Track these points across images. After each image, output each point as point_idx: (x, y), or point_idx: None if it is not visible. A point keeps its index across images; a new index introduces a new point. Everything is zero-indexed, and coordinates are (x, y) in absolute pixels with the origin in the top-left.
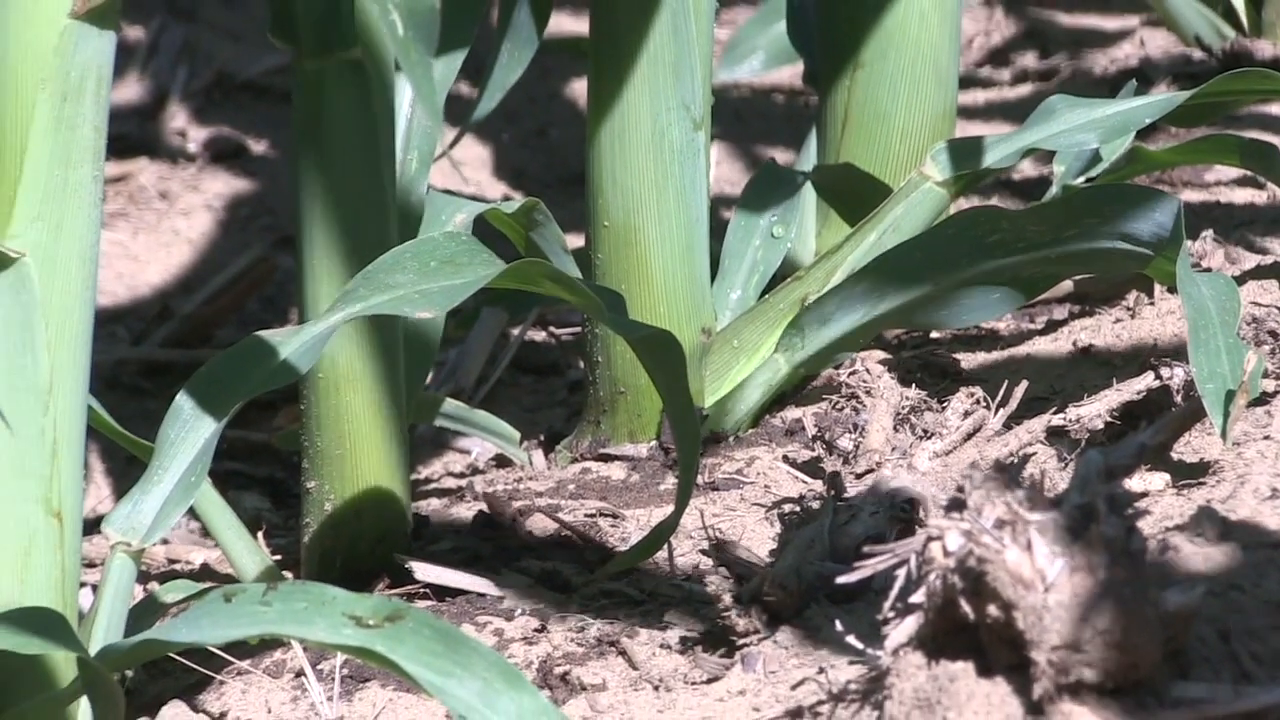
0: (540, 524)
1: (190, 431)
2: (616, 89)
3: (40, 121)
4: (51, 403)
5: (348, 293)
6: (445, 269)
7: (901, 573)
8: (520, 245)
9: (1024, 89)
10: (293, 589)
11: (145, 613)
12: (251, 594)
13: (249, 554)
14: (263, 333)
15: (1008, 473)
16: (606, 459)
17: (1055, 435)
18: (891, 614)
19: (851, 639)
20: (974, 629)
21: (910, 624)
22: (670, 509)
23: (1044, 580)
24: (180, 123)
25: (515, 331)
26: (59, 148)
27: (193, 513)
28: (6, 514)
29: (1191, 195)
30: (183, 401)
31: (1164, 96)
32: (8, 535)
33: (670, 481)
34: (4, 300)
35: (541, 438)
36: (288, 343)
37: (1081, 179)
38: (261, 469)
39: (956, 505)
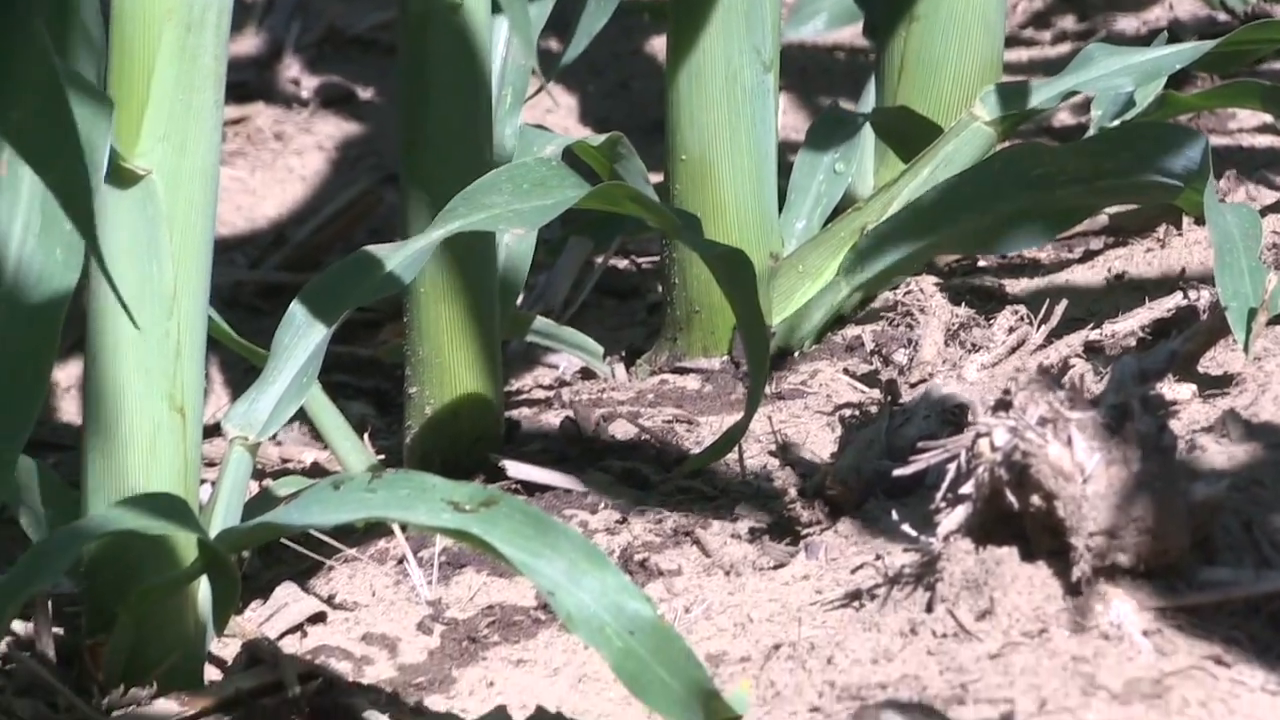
0: (622, 429)
1: (302, 337)
2: (694, 35)
3: (165, 50)
4: (175, 308)
5: (448, 211)
6: (537, 190)
7: (952, 467)
8: (605, 176)
9: (1063, 47)
10: (396, 477)
11: (260, 505)
12: (358, 482)
13: (356, 453)
14: (370, 247)
15: (1050, 376)
16: (682, 371)
17: (1091, 350)
18: (943, 504)
19: (906, 528)
20: (1018, 518)
21: (960, 513)
22: (740, 416)
23: (1083, 473)
24: (294, 72)
25: (599, 259)
26: (183, 74)
27: (303, 416)
28: (134, 409)
29: (1216, 140)
30: (296, 309)
31: (1192, 45)
32: (135, 428)
33: (739, 392)
34: (132, 214)
35: (623, 353)
36: (393, 256)
37: (1116, 122)
38: (367, 381)
39: (1003, 405)
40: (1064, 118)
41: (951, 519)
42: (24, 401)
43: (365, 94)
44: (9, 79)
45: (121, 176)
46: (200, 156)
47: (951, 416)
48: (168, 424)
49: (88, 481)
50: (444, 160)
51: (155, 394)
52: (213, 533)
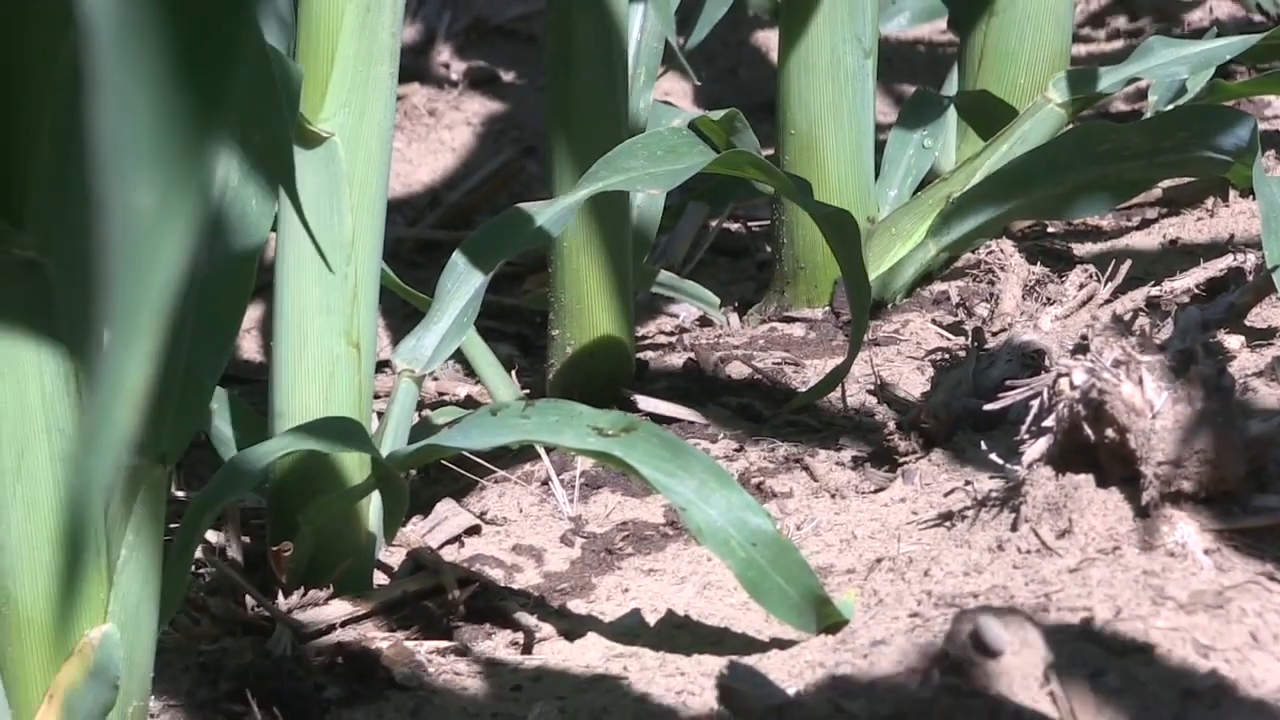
0: (737, 369)
1: (463, 283)
2: (803, 25)
3: (348, 26)
4: (353, 254)
5: (591, 174)
6: (669, 156)
7: (1036, 403)
8: (723, 147)
9: (1117, 44)
10: (547, 405)
11: (420, 433)
12: (513, 409)
13: (505, 386)
14: (522, 204)
15: (1122, 324)
16: (789, 320)
17: (1152, 304)
18: (1026, 436)
19: (993, 457)
20: (1093, 449)
21: (1042, 444)
22: (841, 360)
23: (1152, 409)
24: (445, 57)
25: (714, 223)
26: (362, 48)
27: (457, 355)
28: (315, 344)
29: None
30: (457, 258)
31: (1240, 39)
32: (315, 362)
33: (840, 339)
34: (317, 171)
35: (736, 304)
36: (543, 212)
37: (1171, 106)
38: (511, 326)
39: (1081, 349)
40: (1120, 106)
41: (1034, 449)
42: (222, 338)
43: (507, 77)
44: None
45: (307, 138)
46: (376, 122)
47: (1030, 360)
48: (345, 358)
49: (273, 408)
50: (586, 130)
51: (334, 331)
52: (383, 454)
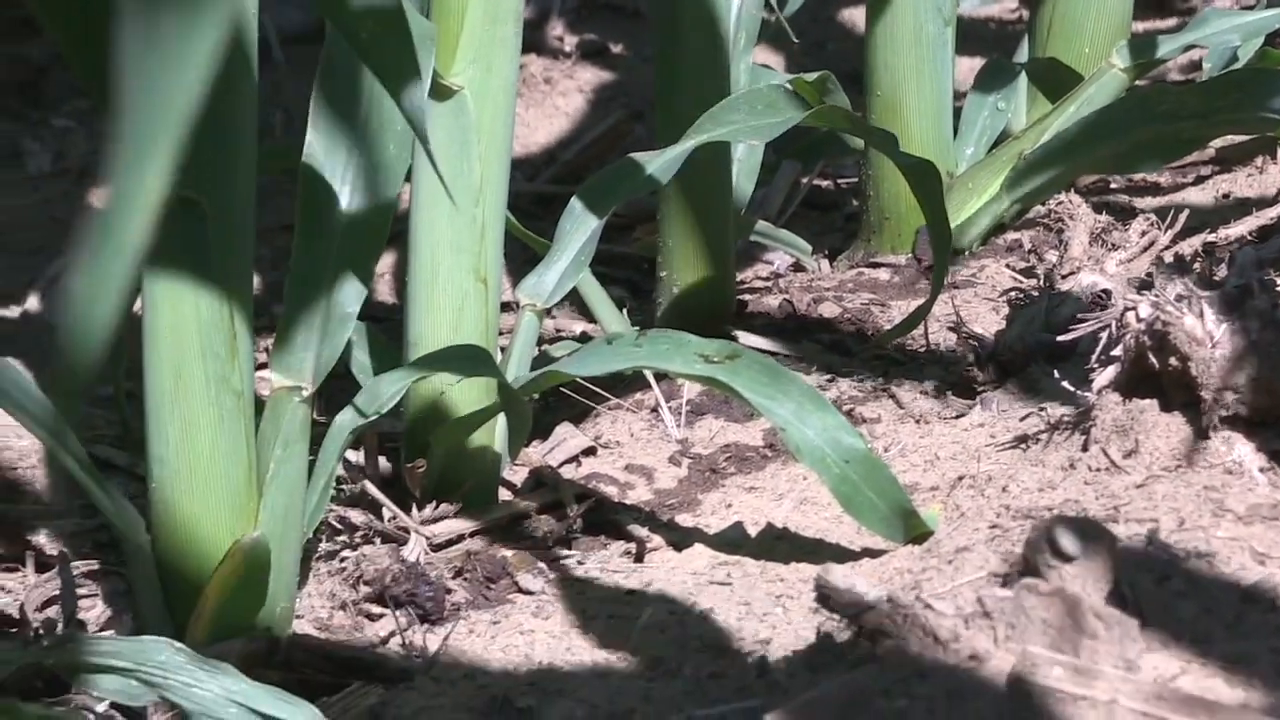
0: (828, 309)
1: (580, 225)
2: None
3: None
4: (481, 198)
5: (697, 127)
6: (768, 111)
7: (1104, 335)
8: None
9: (1171, 20)
10: (658, 335)
11: (541, 364)
12: (627, 339)
13: (617, 321)
14: (634, 154)
15: (1183, 263)
16: (875, 266)
17: (1208, 250)
18: (1096, 366)
19: (1065, 385)
20: (1157, 376)
21: (1110, 372)
22: (923, 300)
23: (1212, 340)
24: (559, 31)
25: (805, 180)
26: (490, 8)
27: (572, 296)
28: (446, 279)
29: None
30: (575, 203)
31: None
32: (446, 296)
33: (922, 283)
34: (448, 121)
35: (826, 252)
36: (653, 161)
37: (1224, 71)
38: (620, 272)
39: (1145, 285)
40: (1174, 75)
41: (1103, 377)
42: (361, 274)
43: (616, 48)
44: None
45: (439, 91)
46: (503, 76)
47: (1098, 299)
48: (473, 292)
49: (407, 338)
50: (692, 88)
51: (464, 268)
52: (508, 379)
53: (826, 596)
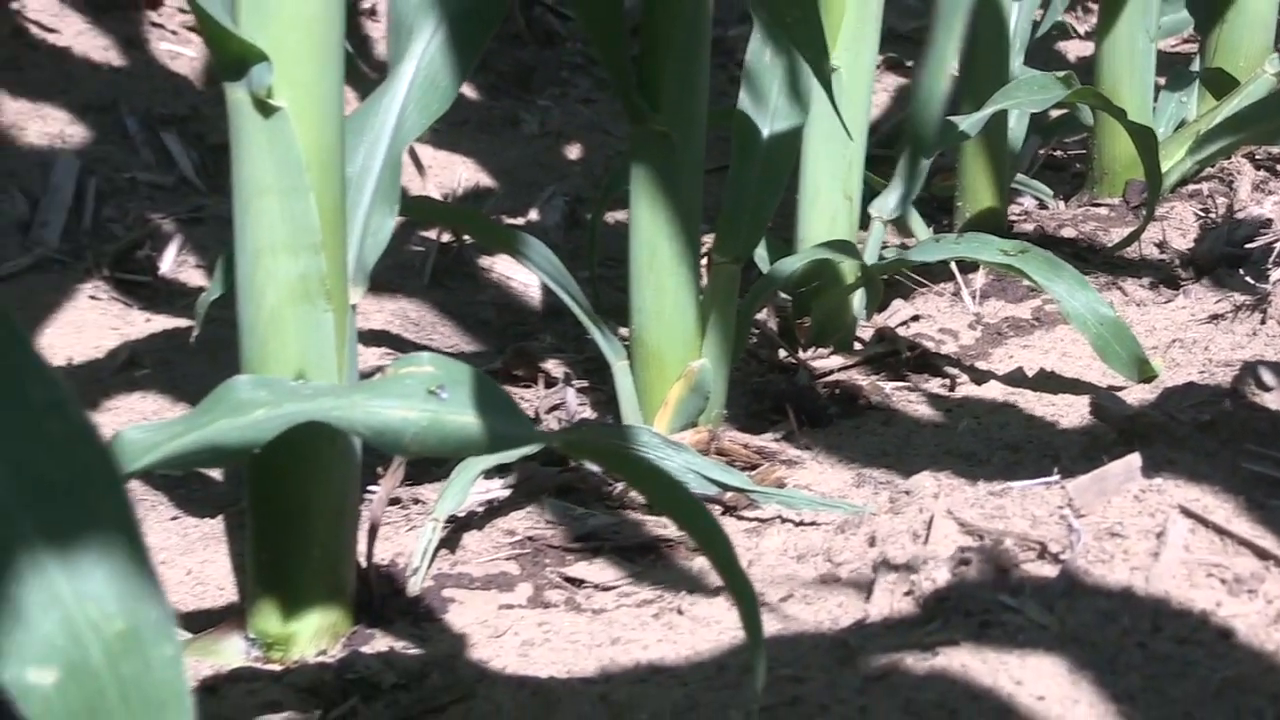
0: (1067, 232)
1: (914, 162)
2: (1113, 19)
3: None
4: (848, 143)
5: (993, 100)
6: (1040, 90)
7: (1277, 245)
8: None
9: None
10: (970, 234)
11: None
12: (949, 238)
13: (924, 233)
14: (950, 117)
15: None
16: (1096, 205)
17: None
18: (1270, 265)
19: (1247, 279)
20: None
21: None
22: (1133, 228)
23: None
24: None
25: (1042, 150)
26: (860, 11)
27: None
28: (824, 196)
29: None
30: (905, 151)
31: None
32: (824, 207)
33: (1130, 217)
34: (835, 90)
35: (1061, 196)
36: (964, 121)
37: None
38: (924, 209)
39: None
40: None
41: (1277, 273)
42: (776, 183)
43: (908, 63)
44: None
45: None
46: (866, 61)
47: (1263, 225)
48: (842, 206)
49: (797, 236)
50: (984, 78)
51: (836, 190)
52: (867, 263)
53: (1100, 408)
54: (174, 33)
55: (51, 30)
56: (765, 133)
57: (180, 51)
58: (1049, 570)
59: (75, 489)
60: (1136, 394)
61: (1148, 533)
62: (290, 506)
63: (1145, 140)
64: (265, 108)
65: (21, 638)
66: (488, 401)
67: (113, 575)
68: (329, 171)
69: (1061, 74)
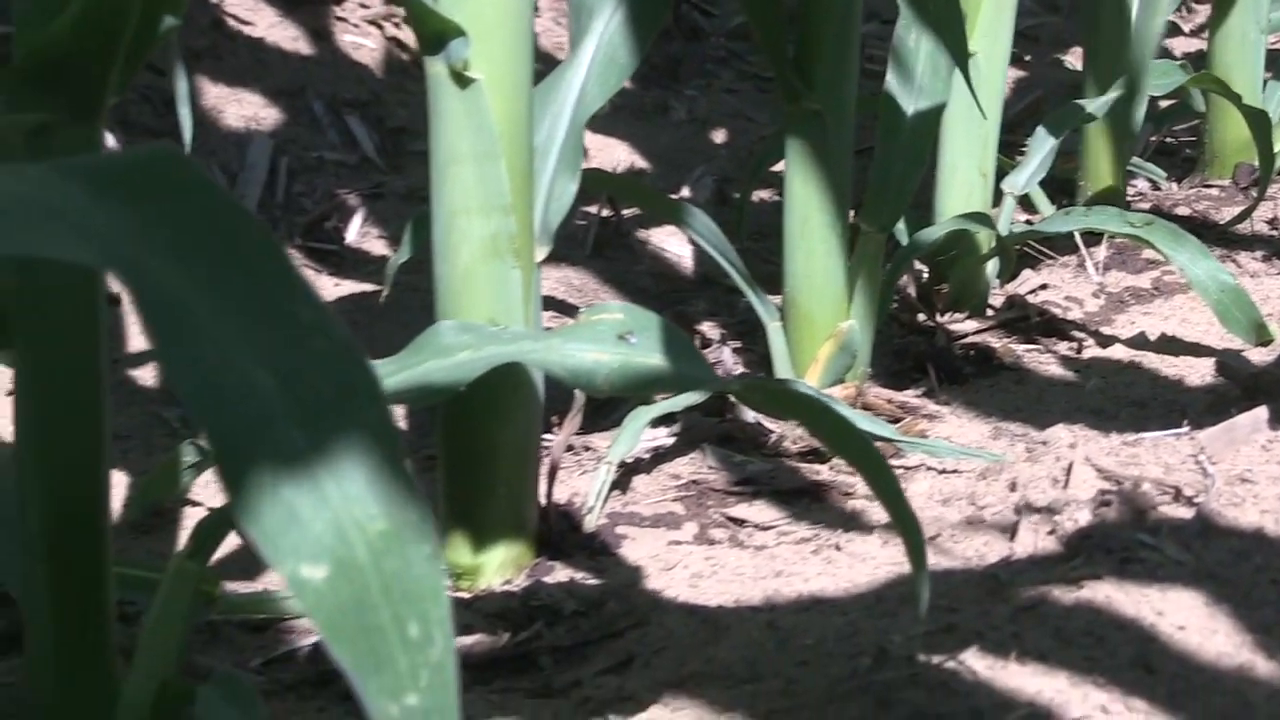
0: (1181, 210)
1: (1042, 143)
2: (1225, 13)
3: None
4: (984, 124)
5: (1116, 85)
6: (1163, 77)
7: None
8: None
9: None
10: (1099, 207)
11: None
12: (1079, 210)
13: (1048, 208)
14: (1077, 100)
15: None
16: (1207, 186)
17: None
18: None
19: None
20: None
21: None
22: (1244, 207)
23: None
24: None
25: (1154, 137)
26: (998, 1)
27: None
28: (961, 173)
29: None
30: (1039, 129)
31: None
32: (961, 183)
33: (1240, 197)
34: (974, 76)
35: (1173, 178)
36: (1091, 104)
37: None
38: (1046, 190)
39: None
40: None
41: None
42: (917, 159)
43: (1026, 58)
44: None
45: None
46: (1002, 48)
47: None
48: (978, 182)
49: (935, 209)
50: (1111, 69)
51: (973, 167)
52: (1001, 233)
53: (1226, 367)
54: (356, 25)
55: (247, 23)
56: (909, 111)
57: (362, 43)
58: (1184, 512)
59: (340, 401)
60: (1255, 355)
61: (1276, 479)
62: (478, 449)
63: (1259, 122)
64: (462, 79)
65: (296, 537)
66: (673, 346)
67: (374, 480)
68: (518, 140)
69: (1175, 64)
